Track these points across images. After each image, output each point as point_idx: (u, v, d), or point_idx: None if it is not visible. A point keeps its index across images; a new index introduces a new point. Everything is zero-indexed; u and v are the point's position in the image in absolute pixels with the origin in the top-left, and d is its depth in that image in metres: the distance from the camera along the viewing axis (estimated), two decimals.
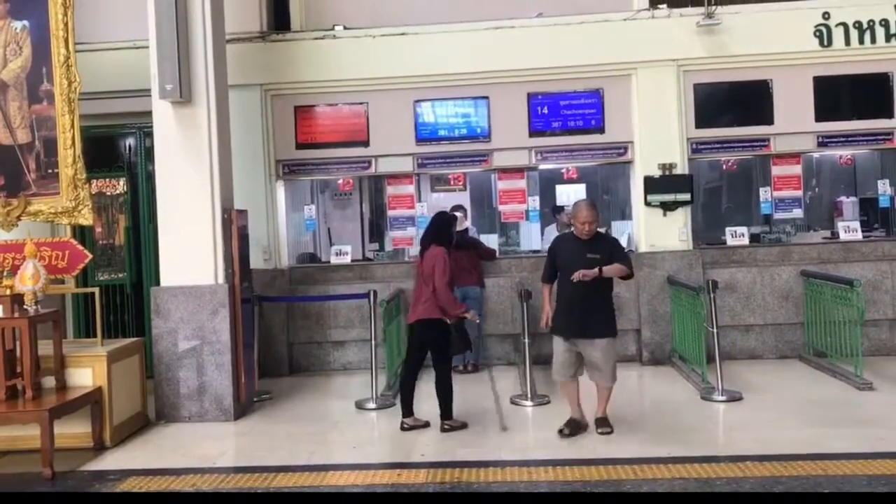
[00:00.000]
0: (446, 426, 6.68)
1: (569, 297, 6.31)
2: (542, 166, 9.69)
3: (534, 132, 9.38)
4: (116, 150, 9.56)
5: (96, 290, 7.14)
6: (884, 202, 9.61)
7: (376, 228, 11.54)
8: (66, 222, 7.28)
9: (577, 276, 6.14)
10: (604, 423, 6.44)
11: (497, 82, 9.35)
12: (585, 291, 6.24)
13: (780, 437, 6.15)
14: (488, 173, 10.00)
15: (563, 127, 9.37)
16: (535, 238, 10.68)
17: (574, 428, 6.40)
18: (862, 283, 7.73)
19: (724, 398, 7.27)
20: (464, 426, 6.73)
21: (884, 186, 9.56)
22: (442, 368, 6.72)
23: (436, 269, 6.57)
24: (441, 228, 6.94)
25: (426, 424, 6.78)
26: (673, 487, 5.11)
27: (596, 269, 6.17)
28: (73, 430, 6.46)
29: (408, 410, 6.83)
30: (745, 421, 6.70)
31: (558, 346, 6.45)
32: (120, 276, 9.19)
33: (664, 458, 5.70)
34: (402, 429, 6.76)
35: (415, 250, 9.88)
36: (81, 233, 8.34)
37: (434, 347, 6.74)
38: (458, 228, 8.97)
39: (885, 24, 8.95)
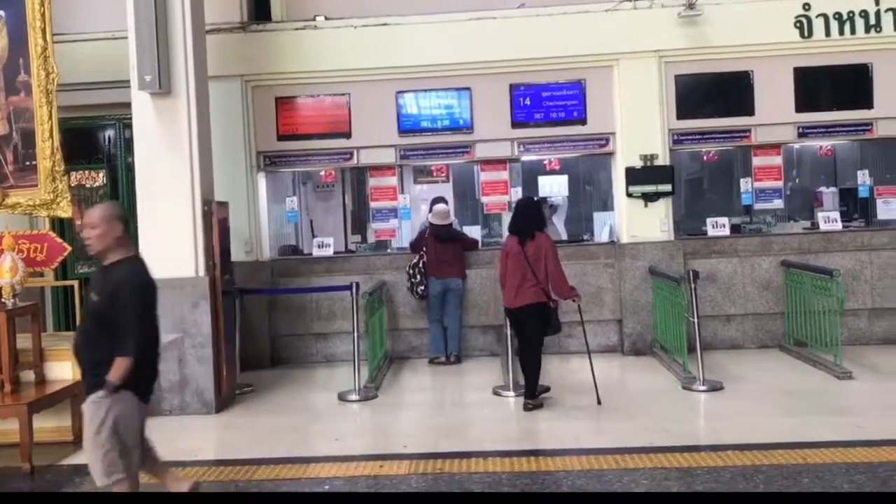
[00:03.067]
0: (529, 405, 6.92)
1: None
2: (525, 158, 9.67)
3: (516, 123, 9.37)
4: (96, 141, 9.49)
5: (75, 283, 7.08)
6: (863, 192, 9.68)
7: (359, 220, 11.52)
8: (45, 214, 7.22)
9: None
10: None
11: (479, 73, 9.32)
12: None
13: (760, 426, 6.19)
14: (471, 165, 9.98)
15: (546, 118, 9.36)
16: None
17: None
18: (841, 272, 7.80)
19: (704, 388, 7.31)
20: (540, 406, 6.95)
21: (863, 177, 9.63)
22: (536, 348, 7.01)
23: (548, 255, 6.89)
24: (539, 214, 7.27)
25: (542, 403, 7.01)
26: (654, 477, 5.14)
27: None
28: (52, 424, 6.44)
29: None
30: (725, 410, 6.75)
31: None
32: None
33: (646, 447, 5.73)
34: (527, 409, 6.93)
35: (397, 242, 9.90)
36: (61, 225, 8.28)
37: (535, 328, 6.98)
38: (443, 222, 9.02)
39: (864, 15, 8.99)
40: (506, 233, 10.68)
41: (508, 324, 7.42)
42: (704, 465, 5.30)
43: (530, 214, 7.19)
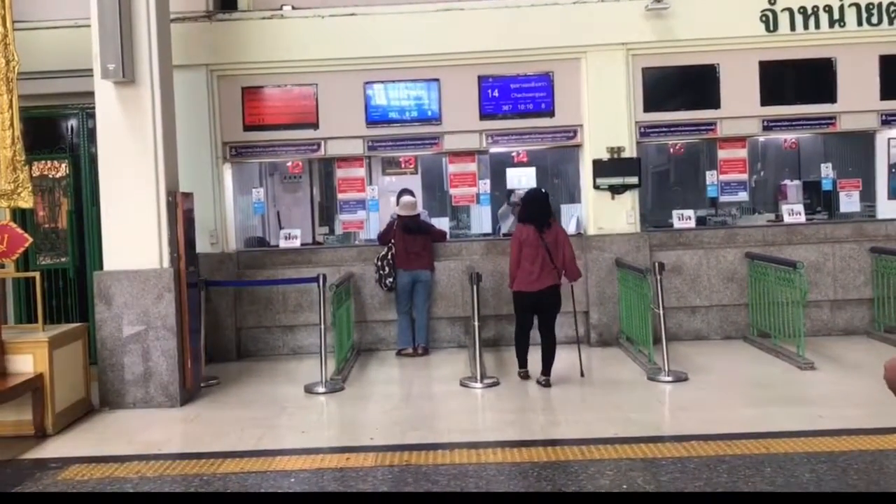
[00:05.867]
0: (547, 381, 7.41)
1: None
2: (493, 150, 9.67)
3: (484, 115, 9.36)
4: (58, 131, 9.33)
5: (37, 275, 6.97)
6: (826, 185, 9.81)
7: (326, 212, 11.46)
8: (5, 205, 7.07)
9: None
10: None
11: (448, 65, 9.30)
12: None
13: (724, 416, 6.26)
14: (439, 156, 9.98)
15: (514, 110, 9.36)
16: (485, 221, 10.69)
17: None
18: (805, 265, 7.88)
19: (670, 379, 7.38)
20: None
21: (826, 170, 9.77)
22: (553, 328, 7.56)
23: (566, 243, 7.51)
24: (549, 206, 7.72)
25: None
26: (619, 468, 5.17)
27: None
28: (13, 418, 6.35)
29: (525, 362, 7.74)
30: (690, 401, 6.82)
31: None
32: (62, 260, 9.01)
33: (611, 438, 5.76)
34: (524, 378, 7.62)
35: (365, 234, 9.87)
36: (22, 216, 8.14)
37: (554, 310, 7.57)
38: (410, 213, 9.01)
39: (828, 9, 9.09)
40: (473, 225, 10.85)
41: (517, 308, 7.66)
42: (669, 456, 5.34)
43: (545, 206, 7.64)
